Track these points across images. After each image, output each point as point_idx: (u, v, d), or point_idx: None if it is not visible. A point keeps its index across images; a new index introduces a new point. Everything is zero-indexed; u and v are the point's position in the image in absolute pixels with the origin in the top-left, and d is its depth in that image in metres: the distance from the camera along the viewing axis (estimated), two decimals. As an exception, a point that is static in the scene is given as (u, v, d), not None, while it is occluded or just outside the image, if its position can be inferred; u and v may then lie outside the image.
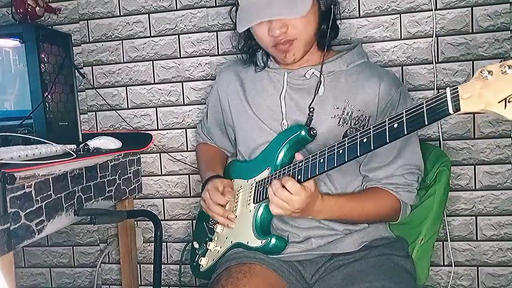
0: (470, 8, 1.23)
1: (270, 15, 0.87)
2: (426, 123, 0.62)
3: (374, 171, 0.97)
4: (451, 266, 1.33)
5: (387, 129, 0.68)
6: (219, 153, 1.25)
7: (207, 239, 1.12)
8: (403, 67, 1.31)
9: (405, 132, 0.65)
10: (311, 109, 0.97)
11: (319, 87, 0.96)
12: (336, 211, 0.89)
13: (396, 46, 1.31)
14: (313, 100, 0.97)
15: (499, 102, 0.55)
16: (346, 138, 0.76)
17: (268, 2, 0.86)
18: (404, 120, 0.65)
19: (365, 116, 0.96)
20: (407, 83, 1.30)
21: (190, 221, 1.52)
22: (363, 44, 1.25)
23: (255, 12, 0.88)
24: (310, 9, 0.87)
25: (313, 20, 0.91)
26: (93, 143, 1.25)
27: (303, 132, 0.95)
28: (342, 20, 1.28)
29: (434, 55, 1.27)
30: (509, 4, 1.19)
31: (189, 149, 1.49)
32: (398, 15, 1.28)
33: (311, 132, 0.94)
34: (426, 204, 1.08)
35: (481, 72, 0.56)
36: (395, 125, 0.66)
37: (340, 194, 0.96)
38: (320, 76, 0.96)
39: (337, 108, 0.97)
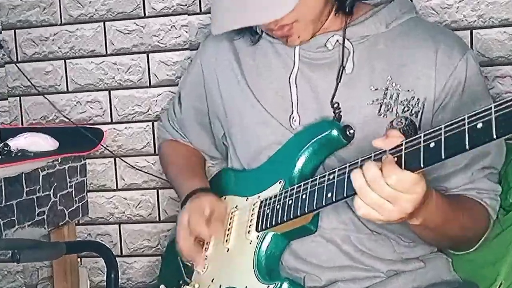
0: None
1: (247, 22, 0.86)
2: (495, 137, 0.55)
3: (448, 179, 0.88)
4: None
5: (466, 130, 0.59)
6: (198, 156, 1.15)
7: (182, 282, 1.01)
8: (473, 30, 1.20)
9: (494, 136, 0.55)
10: (335, 105, 0.89)
11: (346, 62, 0.90)
12: (440, 215, 0.79)
13: (462, 1, 1.20)
14: (339, 81, 0.89)
15: None
16: (403, 142, 0.66)
17: (242, 6, 0.84)
18: (494, 118, 0.55)
19: (418, 99, 0.87)
20: (478, 53, 1.20)
21: (159, 257, 1.41)
22: (414, -1, 1.24)
23: (229, 15, 0.87)
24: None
25: None
26: (16, 143, 1.18)
27: (335, 132, 0.85)
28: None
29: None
30: None
31: (157, 152, 1.37)
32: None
33: (347, 132, 0.86)
34: (506, 233, 0.94)
35: None
36: (479, 125, 0.57)
37: (441, 193, 0.85)
38: (343, 44, 0.89)
39: (376, 90, 0.88)
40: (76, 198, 1.37)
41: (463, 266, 0.94)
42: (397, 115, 0.87)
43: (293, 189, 0.83)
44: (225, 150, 1.07)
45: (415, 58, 0.88)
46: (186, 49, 1.35)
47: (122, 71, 1.40)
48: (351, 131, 0.85)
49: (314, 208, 0.80)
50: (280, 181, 0.89)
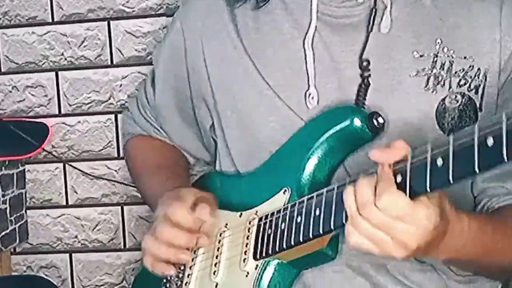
0: None
1: None
2: None
3: (502, 179, 0.76)
4: None
5: (476, 146, 0.51)
6: (177, 155, 1.00)
7: None
8: None
9: (506, 158, 0.48)
10: (364, 64, 0.76)
11: (382, 18, 0.78)
12: (479, 245, 0.67)
13: None
14: (365, 46, 0.76)
15: None
16: (451, 137, 0.53)
17: None
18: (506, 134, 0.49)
19: (478, 70, 0.76)
20: None
21: None
22: None
23: None
24: None
25: None
26: None
27: (357, 122, 0.72)
28: None
29: None
30: None
31: (121, 155, 1.26)
32: None
33: (374, 121, 0.72)
34: None
35: None
36: (489, 142, 0.50)
37: (479, 216, 0.75)
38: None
39: (421, 56, 0.77)
40: (12, 218, 1.26)
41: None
42: (451, 90, 0.77)
43: (303, 201, 0.73)
44: (214, 147, 0.95)
45: (474, 16, 0.80)
46: (162, 15, 1.28)
47: (74, 45, 1.30)
48: (380, 120, 0.73)
49: (332, 227, 0.67)
50: (285, 190, 0.80)
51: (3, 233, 1.22)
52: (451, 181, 0.54)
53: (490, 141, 0.51)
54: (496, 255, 0.72)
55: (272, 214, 0.77)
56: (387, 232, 0.58)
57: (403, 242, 0.59)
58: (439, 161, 0.56)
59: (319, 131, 0.78)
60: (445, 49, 0.78)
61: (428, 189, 0.56)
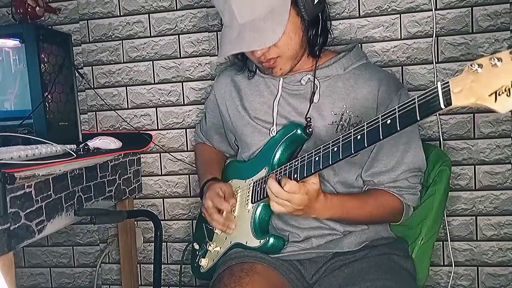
0: (470, 8, 1.35)
1: (241, 48, 0.92)
2: (418, 118, 0.65)
3: (377, 176, 1.01)
4: (451, 266, 1.43)
5: (380, 125, 0.71)
6: (217, 154, 1.32)
7: (206, 240, 1.17)
8: (403, 67, 1.41)
9: (398, 128, 0.68)
10: (308, 119, 1.00)
11: (313, 96, 1.00)
12: (339, 209, 0.92)
13: (396, 46, 1.41)
14: (309, 110, 1.00)
15: (489, 95, 0.56)
16: (340, 136, 0.79)
17: (239, 33, 0.90)
18: (397, 116, 0.68)
19: (364, 122, 0.91)
20: (407, 83, 1.43)
21: (190, 221, 1.60)
22: (363, 44, 1.41)
23: (228, 43, 0.93)
24: (285, 32, 0.91)
25: (295, 35, 0.94)
26: (93, 143, 1.32)
27: (298, 131, 0.98)
28: (342, 20, 1.41)
29: (434, 55, 1.38)
30: (509, 4, 1.32)
31: (189, 149, 1.59)
32: (398, 15, 1.39)
33: (307, 130, 0.98)
34: (426, 204, 1.14)
35: (471, 65, 0.58)
36: (388, 121, 0.69)
37: (343, 193, 1.01)
38: (314, 84, 1.00)
39: (335, 114, 1.00)
40: (134, 181, 1.49)
41: (396, 228, 1.13)
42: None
43: (273, 172, 0.96)
44: (236, 149, 1.24)
45: (363, 94, 0.99)
46: (209, 79, 1.53)
47: (165, 94, 1.56)
48: (310, 129, 0.98)
49: None
50: (265, 168, 1.03)
51: (129, 188, 1.46)
52: (313, 172, 0.80)
53: (309, 161, 0.76)
54: (351, 214, 0.94)
55: (260, 180, 1.01)
56: (289, 200, 0.83)
57: (295, 204, 0.83)
58: (316, 158, 0.80)
59: (281, 137, 1.01)
60: (348, 111, 0.99)
61: (305, 175, 0.81)
